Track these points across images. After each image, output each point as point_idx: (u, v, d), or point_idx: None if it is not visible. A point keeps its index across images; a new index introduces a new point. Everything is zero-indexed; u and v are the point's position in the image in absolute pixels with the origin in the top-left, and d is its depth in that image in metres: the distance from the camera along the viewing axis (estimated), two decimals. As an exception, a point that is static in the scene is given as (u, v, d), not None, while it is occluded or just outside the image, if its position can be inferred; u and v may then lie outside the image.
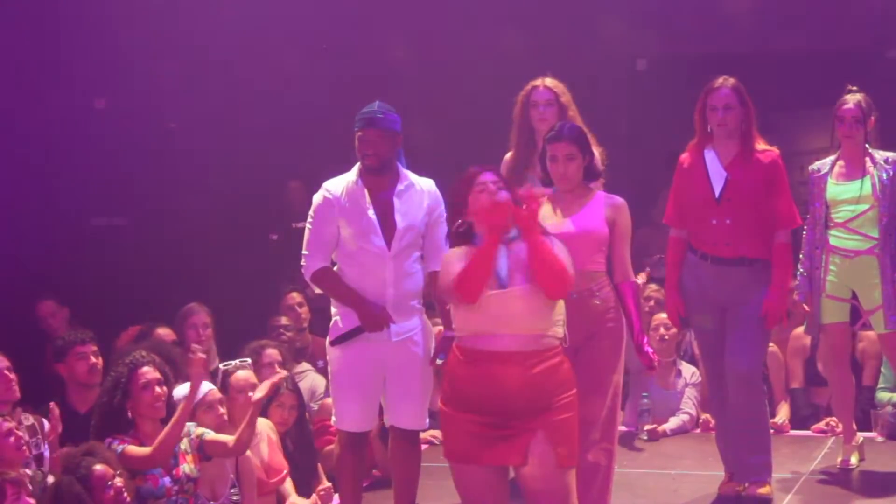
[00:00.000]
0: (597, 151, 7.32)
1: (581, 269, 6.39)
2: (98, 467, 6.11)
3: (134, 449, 6.39)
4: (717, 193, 7.08)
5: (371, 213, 6.59)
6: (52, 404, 6.91)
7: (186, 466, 6.50)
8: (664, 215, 7.38)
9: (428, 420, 6.93)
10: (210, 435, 6.59)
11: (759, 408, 7.18)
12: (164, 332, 8.17)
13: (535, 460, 5.50)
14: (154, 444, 6.37)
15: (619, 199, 6.64)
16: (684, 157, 7.26)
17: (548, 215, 6.56)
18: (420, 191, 6.69)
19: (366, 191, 6.62)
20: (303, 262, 6.70)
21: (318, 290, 6.84)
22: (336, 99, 10.24)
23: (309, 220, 6.71)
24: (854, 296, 7.68)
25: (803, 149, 9.56)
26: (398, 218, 6.58)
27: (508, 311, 5.53)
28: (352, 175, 6.68)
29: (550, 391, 5.52)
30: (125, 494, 6.13)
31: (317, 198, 6.69)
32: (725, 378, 7.12)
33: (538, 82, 7.48)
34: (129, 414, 6.52)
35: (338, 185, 6.66)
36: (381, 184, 6.63)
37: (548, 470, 5.50)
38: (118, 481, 6.12)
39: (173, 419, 6.40)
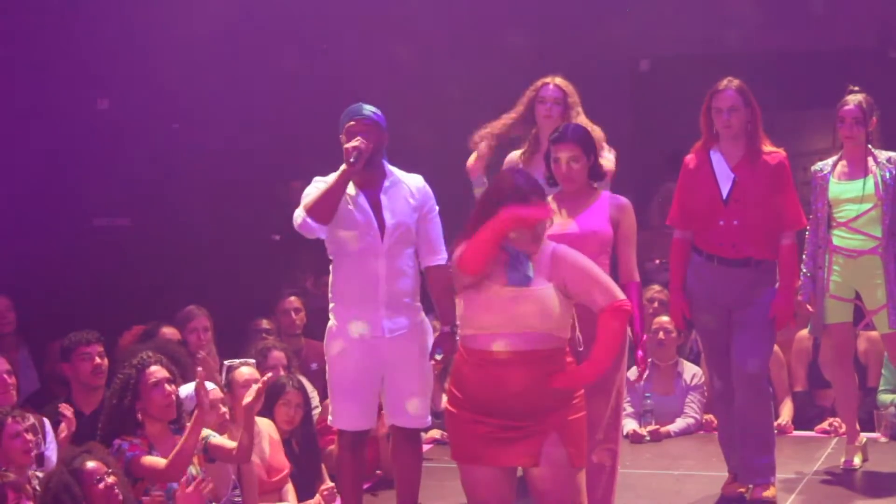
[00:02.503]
0: (611, 155, 7.37)
1: None
2: (90, 463, 6.12)
3: (148, 459, 6.38)
4: (724, 195, 7.09)
5: (361, 210, 6.55)
6: (62, 406, 6.94)
7: (193, 468, 6.49)
8: (668, 217, 7.38)
9: (430, 419, 6.90)
10: (215, 438, 6.59)
11: (764, 408, 7.19)
12: (169, 332, 8.17)
13: (548, 461, 5.47)
14: (168, 458, 6.35)
15: (624, 200, 6.64)
16: (689, 158, 7.27)
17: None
18: (406, 187, 6.66)
19: (354, 187, 6.57)
20: (297, 214, 6.61)
21: (310, 224, 6.60)
22: (337, 99, 10.23)
23: (304, 193, 6.64)
24: (857, 296, 7.68)
25: (805, 149, 9.57)
26: (387, 215, 6.56)
27: (522, 311, 5.48)
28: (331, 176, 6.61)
29: (560, 391, 5.49)
30: (116, 491, 6.13)
31: (311, 186, 6.63)
32: (731, 378, 7.12)
33: (549, 79, 7.52)
34: (139, 415, 6.51)
35: (326, 179, 6.60)
36: (367, 181, 6.59)
37: (560, 471, 5.47)
38: (110, 478, 6.13)
39: (185, 434, 6.37)
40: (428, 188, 6.73)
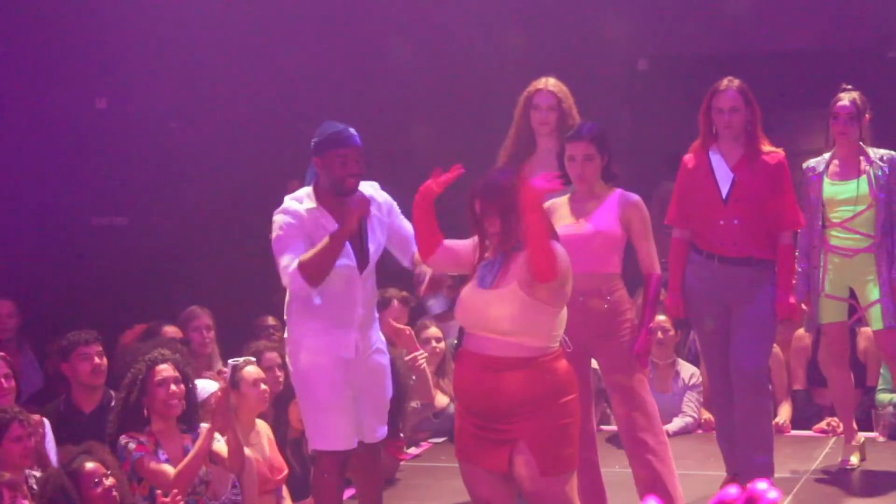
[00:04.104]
0: None
1: (594, 271, 6.38)
2: (89, 465, 6.12)
3: (155, 466, 6.39)
4: (724, 194, 7.09)
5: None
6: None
7: (200, 469, 6.51)
8: (666, 216, 7.38)
9: (386, 429, 6.64)
10: (218, 444, 6.59)
11: (763, 408, 7.19)
12: (171, 331, 8.18)
13: (518, 468, 5.45)
14: (176, 470, 6.36)
15: (634, 197, 6.64)
16: (688, 157, 7.27)
17: (564, 216, 6.56)
18: (374, 204, 6.36)
19: (330, 216, 6.24)
20: (287, 270, 6.11)
21: (304, 285, 6.16)
22: (336, 99, 10.24)
23: (275, 239, 6.19)
24: (852, 294, 7.69)
25: (803, 149, 9.55)
26: (367, 244, 6.31)
27: (484, 314, 5.47)
28: (309, 202, 6.25)
29: (532, 398, 5.42)
30: (114, 494, 6.13)
31: (282, 218, 6.20)
32: (730, 378, 7.13)
33: (541, 84, 7.42)
34: (146, 411, 6.55)
35: (297, 209, 6.23)
36: (340, 206, 6.24)
37: (532, 477, 5.44)
38: (108, 481, 6.12)
39: (194, 450, 6.39)
40: (383, 192, 6.46)
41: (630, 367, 6.55)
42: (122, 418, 6.55)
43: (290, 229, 6.19)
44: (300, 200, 6.27)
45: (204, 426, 6.58)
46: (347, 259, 6.26)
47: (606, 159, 6.60)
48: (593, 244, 6.36)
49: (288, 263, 6.12)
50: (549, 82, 7.41)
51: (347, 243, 6.24)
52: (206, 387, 7.03)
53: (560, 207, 6.62)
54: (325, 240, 6.13)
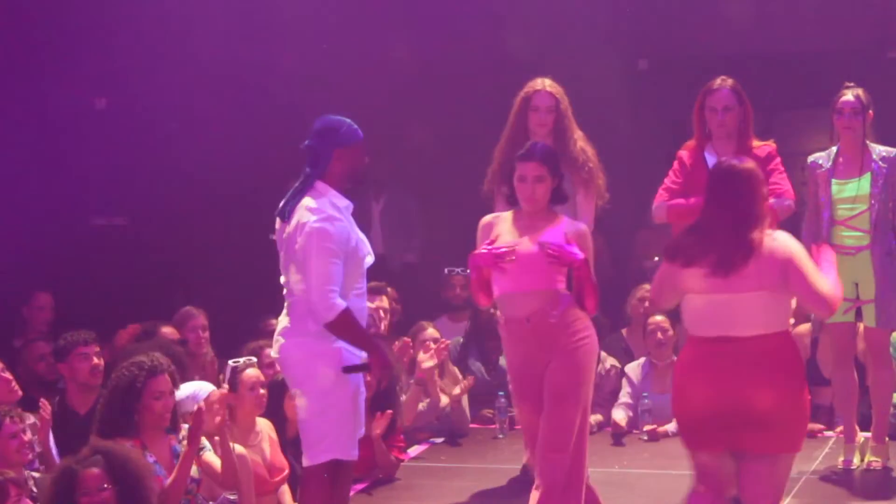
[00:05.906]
0: (601, 182, 7.35)
1: (540, 289, 6.21)
2: (91, 470, 6.01)
3: None
4: (719, 194, 7.09)
5: (360, 232, 6.20)
6: (42, 401, 6.91)
7: (192, 468, 6.50)
8: (656, 196, 7.33)
9: None
10: (207, 455, 6.60)
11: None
12: (168, 332, 8.17)
13: None
14: (165, 487, 6.33)
15: (583, 226, 6.43)
16: (683, 153, 7.27)
17: (506, 232, 6.32)
18: None
19: (347, 209, 6.17)
20: (332, 301, 5.95)
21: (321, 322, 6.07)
22: (336, 100, 10.24)
23: (326, 251, 5.97)
24: (857, 295, 7.69)
25: (803, 149, 9.56)
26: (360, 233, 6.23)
27: None
28: (339, 199, 6.13)
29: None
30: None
31: (331, 229, 5.99)
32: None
33: (539, 85, 7.40)
34: (136, 417, 6.51)
35: (339, 216, 6.07)
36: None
37: None
38: (106, 489, 6.03)
39: (178, 466, 6.38)
40: None
41: (571, 387, 6.24)
42: (112, 423, 6.46)
43: (337, 246, 6.01)
44: (321, 197, 6.10)
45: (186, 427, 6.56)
46: (371, 256, 6.17)
47: (557, 181, 6.34)
48: (540, 262, 6.18)
49: (335, 293, 5.96)
50: (546, 83, 7.41)
51: (365, 237, 6.17)
52: (203, 389, 7.00)
53: (502, 222, 6.39)
54: (368, 334, 6.14)
